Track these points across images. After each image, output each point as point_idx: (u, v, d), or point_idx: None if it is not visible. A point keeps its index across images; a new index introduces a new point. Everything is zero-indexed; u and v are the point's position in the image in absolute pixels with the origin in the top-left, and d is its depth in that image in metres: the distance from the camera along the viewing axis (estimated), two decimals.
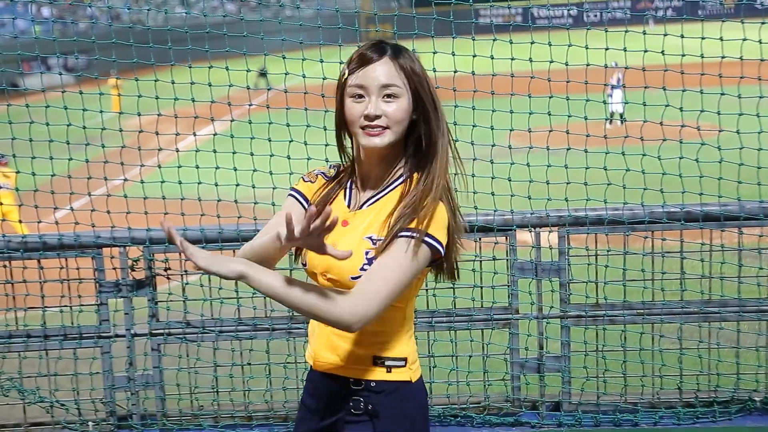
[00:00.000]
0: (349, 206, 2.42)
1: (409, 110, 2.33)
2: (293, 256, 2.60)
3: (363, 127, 2.30)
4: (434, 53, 4.73)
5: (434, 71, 4.62)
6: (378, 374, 2.39)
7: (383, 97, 2.29)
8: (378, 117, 2.28)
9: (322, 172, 2.55)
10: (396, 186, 2.39)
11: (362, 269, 2.26)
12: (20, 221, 5.84)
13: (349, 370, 2.39)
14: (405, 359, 2.42)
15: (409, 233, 2.24)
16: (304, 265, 2.42)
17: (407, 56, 2.34)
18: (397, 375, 2.40)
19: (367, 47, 2.35)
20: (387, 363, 2.39)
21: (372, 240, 2.30)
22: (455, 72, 4.72)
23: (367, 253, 2.28)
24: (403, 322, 2.41)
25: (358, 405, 2.39)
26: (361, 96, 2.31)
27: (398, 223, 2.26)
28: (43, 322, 4.79)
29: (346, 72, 2.34)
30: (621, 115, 20.27)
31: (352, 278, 2.27)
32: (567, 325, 4.70)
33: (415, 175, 2.37)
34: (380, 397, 2.39)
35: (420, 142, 2.38)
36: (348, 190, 2.46)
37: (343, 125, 2.41)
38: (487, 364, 4.80)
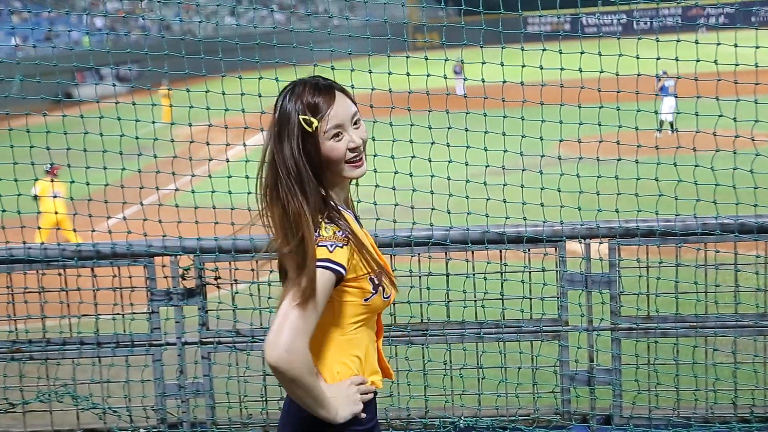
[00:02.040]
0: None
1: None
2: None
3: (348, 161, 2.40)
4: (483, 63, 4.71)
5: (483, 81, 4.61)
6: None
7: (353, 126, 2.41)
8: (359, 146, 2.40)
9: (351, 231, 2.41)
10: None
11: None
12: (75, 230, 5.93)
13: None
14: None
15: None
16: (387, 297, 2.48)
17: (343, 87, 2.48)
18: None
19: (317, 92, 2.37)
20: None
21: None
22: (504, 82, 4.70)
23: None
24: None
25: None
26: (339, 134, 2.38)
27: None
28: (96, 330, 4.87)
29: (314, 121, 2.34)
30: (671, 124, 20.01)
31: None
32: (618, 337, 4.64)
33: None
34: None
35: None
36: (354, 218, 2.53)
37: (321, 171, 2.39)
38: (536, 376, 4.77)
